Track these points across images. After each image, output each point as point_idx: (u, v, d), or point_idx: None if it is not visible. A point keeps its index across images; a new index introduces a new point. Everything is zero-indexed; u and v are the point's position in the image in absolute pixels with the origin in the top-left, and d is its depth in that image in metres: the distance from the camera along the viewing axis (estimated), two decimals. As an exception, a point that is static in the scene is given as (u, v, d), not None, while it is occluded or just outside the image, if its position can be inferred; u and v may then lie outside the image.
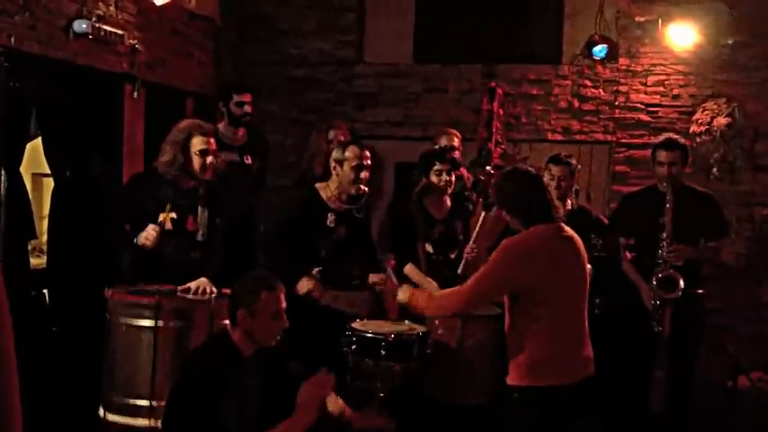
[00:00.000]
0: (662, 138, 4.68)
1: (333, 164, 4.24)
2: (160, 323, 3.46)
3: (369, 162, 4.25)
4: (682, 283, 4.33)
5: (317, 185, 4.33)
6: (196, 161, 3.94)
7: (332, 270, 4.23)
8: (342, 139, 5.29)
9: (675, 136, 4.71)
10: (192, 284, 3.81)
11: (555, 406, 3.17)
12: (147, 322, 3.48)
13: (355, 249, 4.35)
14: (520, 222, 3.27)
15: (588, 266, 3.43)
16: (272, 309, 2.96)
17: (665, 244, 4.39)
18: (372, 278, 4.30)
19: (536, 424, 3.18)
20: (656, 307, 4.42)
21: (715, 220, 4.62)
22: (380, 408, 3.75)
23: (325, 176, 4.39)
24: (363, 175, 4.21)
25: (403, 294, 3.64)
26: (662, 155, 4.53)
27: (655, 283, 4.39)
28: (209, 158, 3.97)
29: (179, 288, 3.80)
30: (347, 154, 4.20)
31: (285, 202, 4.71)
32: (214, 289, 3.81)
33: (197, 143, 3.95)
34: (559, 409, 3.18)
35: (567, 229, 3.32)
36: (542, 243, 3.21)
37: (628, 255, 4.68)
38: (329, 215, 4.24)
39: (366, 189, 4.24)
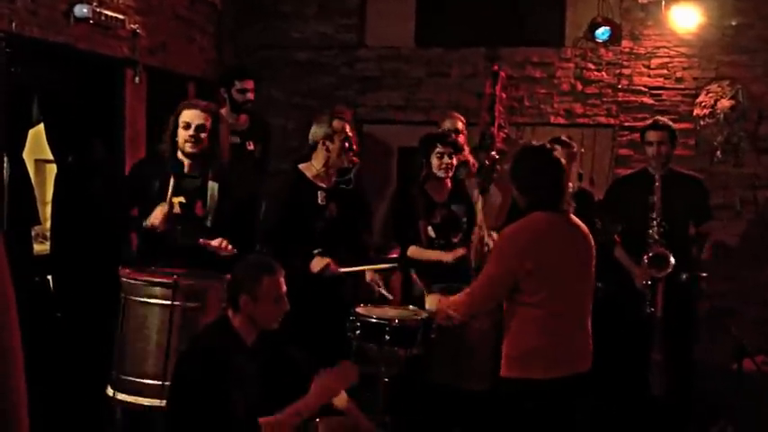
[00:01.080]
0: (649, 121, 4.85)
1: (321, 141, 4.18)
2: (176, 303, 3.44)
3: (351, 133, 4.24)
4: (672, 260, 4.36)
5: (301, 166, 4.28)
6: (181, 135, 3.91)
7: (331, 250, 4.22)
8: None
9: (663, 119, 4.82)
10: (215, 242, 3.85)
11: (549, 398, 3.12)
12: (163, 301, 3.46)
13: (348, 228, 4.32)
14: (524, 203, 3.21)
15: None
16: (274, 293, 2.97)
17: (655, 223, 4.43)
18: (369, 276, 4.28)
19: (530, 416, 3.13)
20: (647, 287, 4.45)
21: (701, 204, 4.72)
22: (385, 392, 3.76)
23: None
24: (350, 145, 4.23)
25: (430, 304, 3.62)
26: (650, 135, 4.67)
27: (646, 261, 4.43)
28: (191, 130, 3.90)
29: (201, 240, 3.84)
30: (335, 125, 4.16)
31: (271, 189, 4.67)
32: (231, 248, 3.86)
33: (184, 115, 3.92)
34: (553, 402, 3.13)
35: (576, 219, 3.26)
36: (545, 228, 3.14)
37: (617, 238, 4.71)
38: (319, 193, 4.22)
39: (356, 159, 4.25)
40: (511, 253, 3.14)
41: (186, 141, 3.92)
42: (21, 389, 1.45)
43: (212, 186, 4.02)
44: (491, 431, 3.40)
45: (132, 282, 3.57)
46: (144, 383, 3.48)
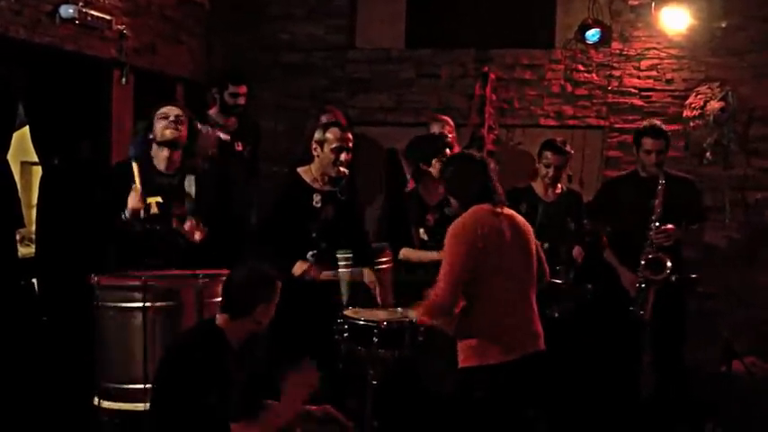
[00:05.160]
0: (646, 124, 4.75)
1: (314, 145, 4.18)
2: (148, 304, 3.45)
3: (350, 144, 4.20)
4: (669, 264, 4.36)
5: (299, 169, 4.27)
6: (159, 126, 3.97)
7: (326, 253, 4.19)
8: None
9: (659, 122, 4.74)
10: (186, 225, 3.91)
11: (502, 383, 3.22)
12: (136, 304, 3.47)
13: (345, 231, 4.30)
14: (459, 204, 3.44)
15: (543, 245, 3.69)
16: (277, 300, 3.07)
17: (653, 227, 4.42)
18: (368, 278, 4.25)
19: (484, 403, 3.22)
20: (640, 290, 4.44)
21: (693, 204, 4.69)
22: (373, 396, 3.74)
23: (308, 160, 4.34)
24: (344, 156, 4.15)
25: (416, 315, 3.61)
26: (649, 142, 4.59)
27: (643, 263, 4.42)
28: (173, 119, 3.98)
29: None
30: (328, 135, 4.15)
31: (271, 191, 4.66)
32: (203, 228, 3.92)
33: (161, 111, 4.00)
34: (507, 387, 3.22)
35: (507, 209, 3.43)
36: (485, 215, 3.32)
37: (605, 240, 4.71)
38: (315, 195, 4.19)
39: (346, 171, 4.19)
40: (463, 239, 3.27)
41: (166, 128, 3.96)
42: None
43: (189, 181, 4.03)
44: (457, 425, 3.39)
45: (102, 288, 3.56)
46: (128, 389, 3.48)
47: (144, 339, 3.43)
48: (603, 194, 4.99)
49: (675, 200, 4.52)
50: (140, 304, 3.45)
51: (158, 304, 3.48)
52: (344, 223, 4.28)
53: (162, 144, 3.99)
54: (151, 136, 4.01)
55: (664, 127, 4.70)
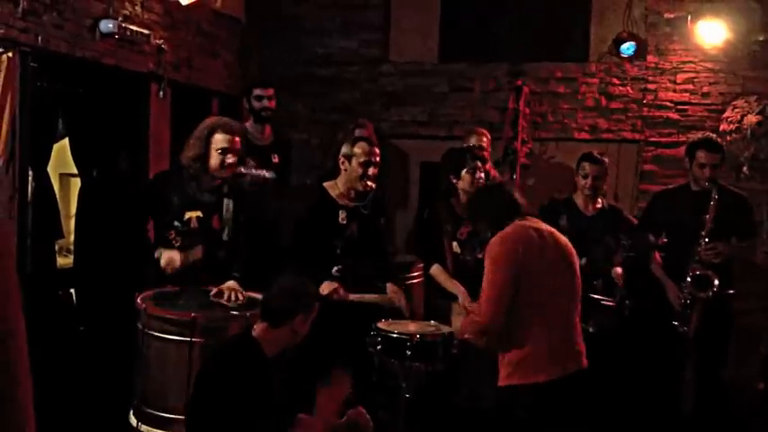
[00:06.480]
0: (701, 137, 4.65)
1: (341, 159, 4.19)
2: (195, 339, 3.40)
3: (378, 159, 4.21)
4: (716, 282, 4.27)
5: (326, 184, 4.29)
6: (214, 158, 3.84)
7: (351, 269, 4.20)
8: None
9: (714, 135, 4.66)
10: (225, 289, 3.76)
11: (543, 402, 3.16)
12: (183, 338, 3.42)
13: (368, 247, 4.31)
14: (491, 228, 3.35)
15: (582, 260, 3.53)
16: (315, 317, 3.13)
17: (703, 242, 4.33)
18: (390, 289, 4.26)
19: (524, 422, 3.17)
20: (685, 306, 4.37)
21: (745, 220, 4.58)
22: (406, 409, 3.72)
23: (334, 175, 4.35)
24: (371, 171, 4.16)
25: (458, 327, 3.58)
26: (703, 156, 4.47)
27: (689, 280, 4.34)
28: (229, 157, 3.86)
29: (211, 293, 3.76)
30: (356, 150, 4.16)
31: (296, 205, 4.66)
32: (244, 294, 3.77)
33: (218, 140, 3.85)
34: (548, 406, 3.16)
35: (543, 224, 3.36)
36: (519, 235, 3.24)
37: (657, 254, 4.62)
38: (340, 212, 4.21)
39: (373, 186, 4.20)
40: (506, 253, 3.19)
41: (222, 167, 3.87)
42: (29, 410, 1.36)
43: (227, 201, 4.02)
44: None
45: (149, 316, 3.52)
46: (167, 417, 3.45)
47: (187, 373, 3.37)
48: (654, 207, 4.88)
49: (727, 215, 4.39)
50: (187, 339, 3.40)
51: (205, 340, 3.41)
52: (368, 238, 4.29)
53: (214, 174, 3.93)
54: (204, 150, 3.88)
55: (719, 140, 4.60)
